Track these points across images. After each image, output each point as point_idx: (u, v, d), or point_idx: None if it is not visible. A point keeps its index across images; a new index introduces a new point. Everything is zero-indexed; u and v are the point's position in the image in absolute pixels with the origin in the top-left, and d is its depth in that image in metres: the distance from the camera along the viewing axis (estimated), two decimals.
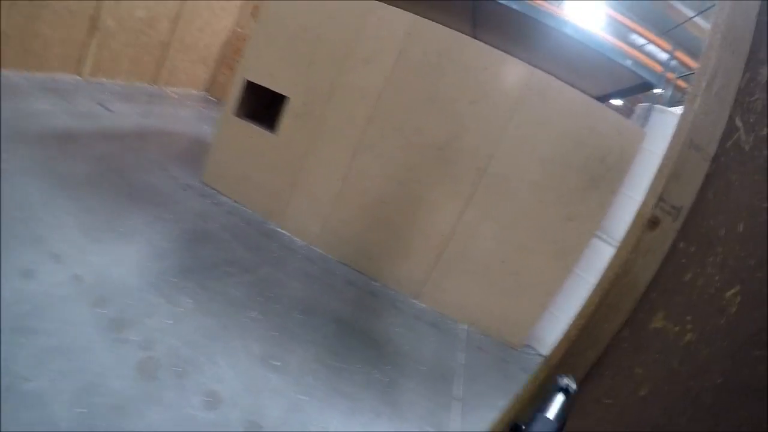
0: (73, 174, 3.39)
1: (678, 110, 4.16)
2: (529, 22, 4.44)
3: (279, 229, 4.05)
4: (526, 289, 3.85)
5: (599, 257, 3.93)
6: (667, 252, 0.88)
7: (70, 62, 5.48)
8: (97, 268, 2.51)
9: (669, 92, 6.84)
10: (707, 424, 0.79)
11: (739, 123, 0.82)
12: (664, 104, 4.90)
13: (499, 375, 3.49)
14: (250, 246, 3.55)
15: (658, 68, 5.35)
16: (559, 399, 0.63)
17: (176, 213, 3.53)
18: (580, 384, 1.01)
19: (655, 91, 5.50)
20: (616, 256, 0.93)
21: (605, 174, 3.64)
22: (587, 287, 3.59)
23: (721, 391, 0.78)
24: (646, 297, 0.93)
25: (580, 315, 1.00)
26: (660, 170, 0.87)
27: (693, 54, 6.53)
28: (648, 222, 0.86)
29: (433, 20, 3.65)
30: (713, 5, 5.11)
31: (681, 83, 6.45)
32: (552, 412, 0.61)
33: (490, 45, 3.65)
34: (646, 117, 3.97)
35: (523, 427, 0.59)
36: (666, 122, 3.98)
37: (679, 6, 7.22)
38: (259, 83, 3.99)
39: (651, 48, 7.16)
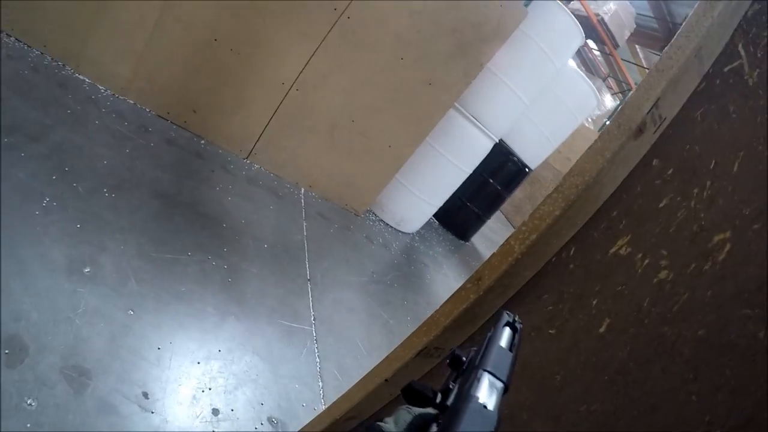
0: None
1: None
2: None
3: (78, 76, 2.91)
4: (374, 152, 3.60)
5: (455, 130, 3.86)
6: (636, 167, 0.79)
7: None
8: None
9: None
10: (684, 378, 0.67)
11: (742, 51, 0.74)
12: None
13: (345, 246, 3.35)
14: (38, 102, 2.46)
15: None
16: (507, 332, 0.49)
17: None
18: (507, 304, 0.92)
19: None
20: (589, 161, 0.80)
21: (476, 43, 3.32)
22: (439, 159, 3.55)
23: (701, 345, 0.67)
24: (604, 214, 0.83)
25: (530, 227, 0.86)
26: (659, 70, 0.75)
27: None
28: (636, 128, 0.75)
29: None
30: None
31: None
32: (504, 342, 0.47)
33: None
34: None
35: (469, 357, 0.46)
36: (548, 9, 3.78)
37: None
38: None
39: None
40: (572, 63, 6.34)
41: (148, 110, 3.09)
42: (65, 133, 2.41)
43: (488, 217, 5.45)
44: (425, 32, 3.19)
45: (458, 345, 0.97)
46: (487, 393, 0.38)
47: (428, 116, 3.55)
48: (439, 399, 0.40)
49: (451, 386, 0.41)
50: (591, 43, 10.43)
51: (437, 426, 0.38)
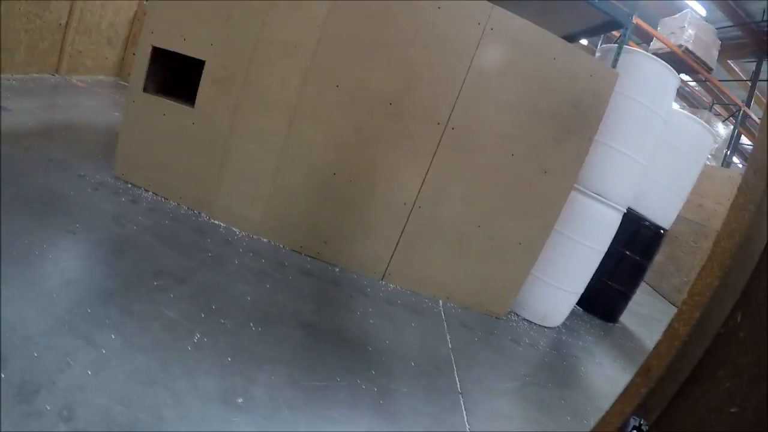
0: None
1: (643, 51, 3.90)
2: None
3: (213, 221, 3.40)
4: (506, 253, 3.49)
5: (580, 210, 3.69)
6: None
7: None
8: None
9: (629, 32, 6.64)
10: None
11: None
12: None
13: (492, 352, 3.14)
14: (181, 248, 2.88)
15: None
16: None
17: (86, 221, 2.80)
18: (682, 390, 0.84)
19: (614, 33, 5.21)
20: (736, 221, 0.74)
21: (579, 120, 3.28)
22: (571, 245, 3.35)
23: None
24: (764, 271, 0.74)
25: (692, 305, 0.80)
26: None
27: None
28: None
29: None
30: None
31: (639, 22, 6.22)
32: None
33: None
34: (614, 58, 3.65)
35: None
36: (636, 63, 3.72)
37: None
38: (167, 48, 3.26)
39: None
40: (675, 105, 5.97)
41: (282, 246, 3.42)
42: (209, 274, 2.71)
43: (633, 292, 4.94)
44: (527, 123, 3.26)
45: None
46: None
47: (551, 205, 3.46)
48: None
49: None
50: (683, 76, 9.82)
51: None
